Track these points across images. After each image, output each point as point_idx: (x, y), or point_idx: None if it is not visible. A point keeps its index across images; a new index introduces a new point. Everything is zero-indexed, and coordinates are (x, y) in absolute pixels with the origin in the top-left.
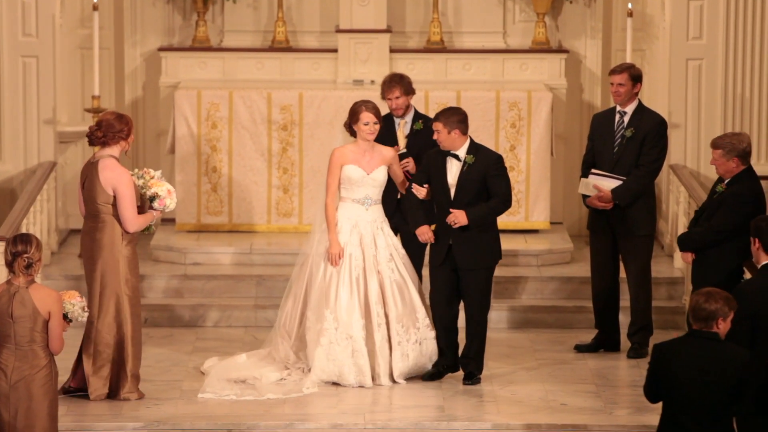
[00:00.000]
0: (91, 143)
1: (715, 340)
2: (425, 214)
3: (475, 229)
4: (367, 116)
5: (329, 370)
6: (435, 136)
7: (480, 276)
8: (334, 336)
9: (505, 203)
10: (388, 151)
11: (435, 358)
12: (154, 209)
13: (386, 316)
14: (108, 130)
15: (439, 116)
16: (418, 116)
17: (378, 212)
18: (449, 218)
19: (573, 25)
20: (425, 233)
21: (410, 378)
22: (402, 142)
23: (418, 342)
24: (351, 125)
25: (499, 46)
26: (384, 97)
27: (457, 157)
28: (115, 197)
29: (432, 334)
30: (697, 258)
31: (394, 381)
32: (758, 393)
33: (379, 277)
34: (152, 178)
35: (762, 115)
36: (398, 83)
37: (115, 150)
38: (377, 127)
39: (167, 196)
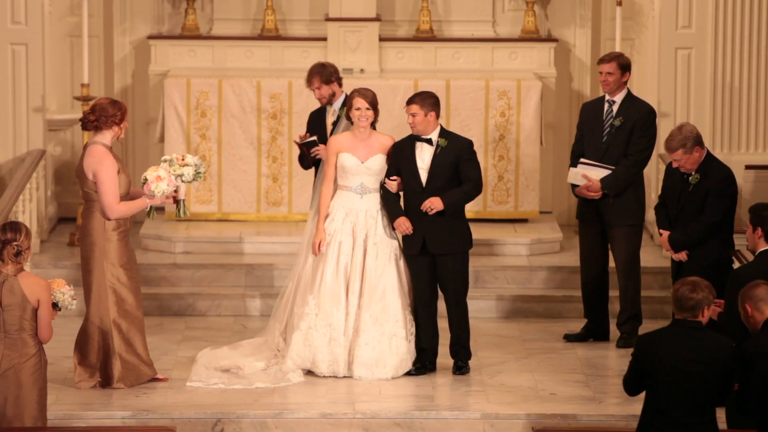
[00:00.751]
0: (84, 128)
1: (701, 329)
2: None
3: (447, 216)
4: (358, 102)
5: (304, 355)
6: (409, 120)
7: (457, 260)
8: (314, 321)
9: (478, 188)
10: (386, 140)
11: (408, 357)
12: (146, 194)
13: (359, 305)
14: (101, 114)
15: (414, 99)
16: (345, 103)
17: (374, 201)
18: (424, 205)
19: (562, 14)
20: (403, 224)
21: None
22: (329, 128)
23: (387, 336)
24: (348, 114)
25: (489, 35)
26: (307, 87)
27: (428, 141)
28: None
29: (403, 332)
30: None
31: (353, 375)
32: (738, 394)
33: (363, 266)
34: (183, 160)
35: (751, 104)
36: (317, 74)
37: (106, 136)
38: (370, 113)
39: (154, 181)
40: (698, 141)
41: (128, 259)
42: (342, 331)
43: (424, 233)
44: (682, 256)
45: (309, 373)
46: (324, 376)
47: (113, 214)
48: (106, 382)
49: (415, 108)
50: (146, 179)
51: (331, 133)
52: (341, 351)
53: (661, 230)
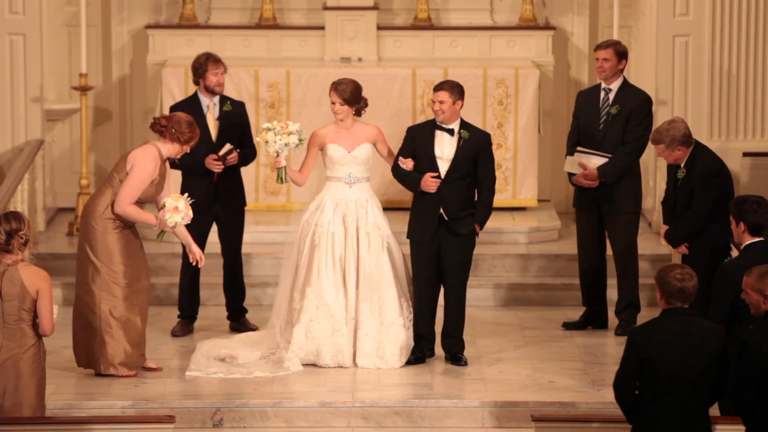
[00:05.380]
0: (151, 127)
1: (693, 315)
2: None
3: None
4: (332, 96)
5: (307, 348)
6: (436, 107)
7: (465, 247)
8: (315, 314)
9: (493, 188)
10: (371, 129)
11: (406, 344)
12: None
13: (357, 296)
14: (173, 126)
15: (443, 85)
16: (224, 98)
17: (363, 190)
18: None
19: (560, 1)
20: (430, 181)
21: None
22: (214, 125)
23: (386, 325)
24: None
25: (486, 23)
26: (207, 71)
27: (449, 131)
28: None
29: (401, 320)
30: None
31: (356, 364)
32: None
33: (357, 256)
34: (287, 128)
35: (748, 91)
36: (219, 60)
37: (166, 146)
38: (344, 108)
39: (172, 211)
40: (684, 141)
41: (124, 247)
42: (344, 321)
43: (443, 205)
44: (683, 249)
45: (312, 365)
46: (329, 368)
47: (119, 209)
48: (94, 365)
49: (443, 95)
50: (164, 205)
51: (218, 138)
52: (345, 341)
53: (665, 225)
